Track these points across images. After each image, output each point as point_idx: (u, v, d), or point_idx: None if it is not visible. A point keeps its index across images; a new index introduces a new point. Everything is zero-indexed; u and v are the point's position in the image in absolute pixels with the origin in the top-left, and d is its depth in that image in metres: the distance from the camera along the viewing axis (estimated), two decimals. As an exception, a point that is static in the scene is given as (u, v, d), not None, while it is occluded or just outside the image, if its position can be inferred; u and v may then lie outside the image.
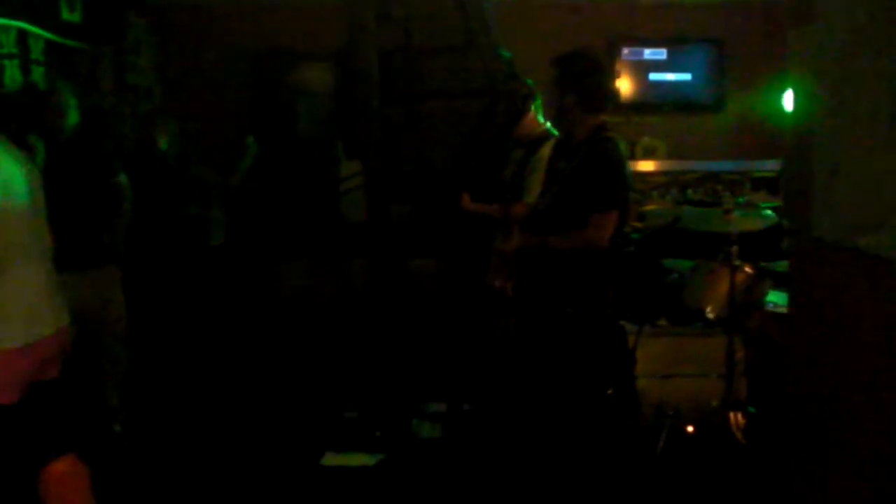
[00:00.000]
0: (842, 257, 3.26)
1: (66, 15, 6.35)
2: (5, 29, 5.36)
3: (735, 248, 5.03)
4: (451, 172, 4.45)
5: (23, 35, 5.59)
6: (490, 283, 4.87)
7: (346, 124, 5.04)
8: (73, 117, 5.00)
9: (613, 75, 9.03)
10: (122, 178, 5.32)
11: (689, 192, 8.37)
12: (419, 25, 4.16)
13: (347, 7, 4.44)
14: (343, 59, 5.00)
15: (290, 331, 7.00)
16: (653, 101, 9.34)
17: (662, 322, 5.37)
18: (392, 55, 4.26)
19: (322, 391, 6.19)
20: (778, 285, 5.18)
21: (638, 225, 6.58)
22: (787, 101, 4.00)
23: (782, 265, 5.02)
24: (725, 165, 8.75)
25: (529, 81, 5.09)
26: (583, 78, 4.26)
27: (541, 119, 5.12)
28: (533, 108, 5.07)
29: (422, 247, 5.13)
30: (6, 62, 5.36)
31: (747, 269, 5.11)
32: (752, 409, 4.93)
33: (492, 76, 4.34)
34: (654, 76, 9.41)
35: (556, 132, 4.85)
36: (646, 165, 8.79)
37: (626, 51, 9.32)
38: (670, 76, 9.42)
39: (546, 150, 4.83)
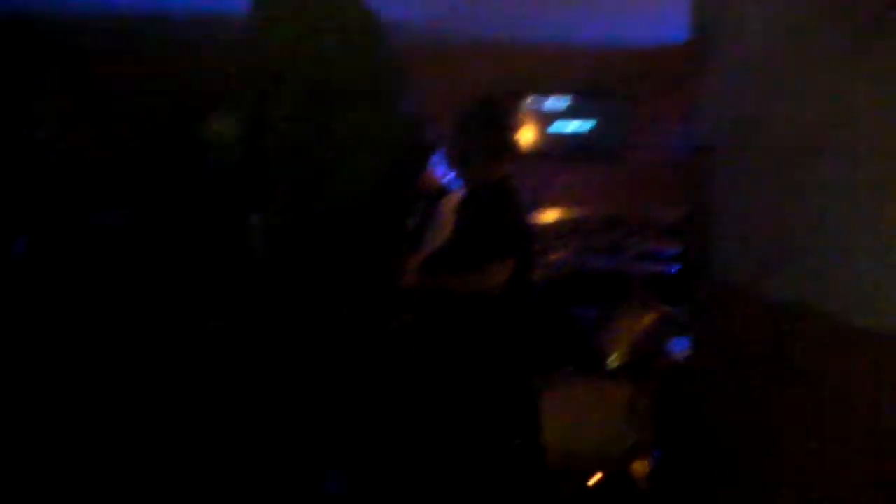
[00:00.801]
0: (744, 302, 3.28)
1: None
2: None
3: (638, 295, 5.05)
4: (354, 223, 4.40)
5: None
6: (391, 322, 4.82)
7: (251, 174, 4.99)
8: None
9: (517, 125, 9.11)
10: None
11: (593, 239, 8.43)
12: (324, 78, 4.13)
13: (251, 59, 4.40)
14: (248, 111, 4.95)
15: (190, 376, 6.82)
16: (557, 150, 9.42)
17: (568, 370, 5.35)
18: (297, 108, 4.21)
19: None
20: (681, 331, 5.21)
21: (543, 273, 6.58)
22: (690, 147, 4.04)
23: (686, 310, 5.05)
24: (628, 212, 8.84)
25: (433, 131, 5.09)
26: (487, 129, 4.26)
27: (443, 169, 5.12)
28: (436, 158, 5.07)
29: (328, 293, 5.05)
30: None
31: (651, 316, 5.13)
32: (658, 455, 4.92)
33: (397, 128, 4.31)
34: (557, 125, 9.51)
35: (459, 182, 4.85)
36: (550, 214, 8.84)
37: (529, 100, 9.40)
38: (574, 124, 9.53)
39: (448, 200, 4.83)
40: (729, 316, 3.49)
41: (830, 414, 2.74)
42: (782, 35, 3.03)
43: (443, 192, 5.04)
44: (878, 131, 2.48)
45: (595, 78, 9.39)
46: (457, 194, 4.85)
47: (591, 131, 9.58)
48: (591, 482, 4.84)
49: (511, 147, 4.37)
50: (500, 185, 4.26)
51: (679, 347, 5.25)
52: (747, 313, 3.29)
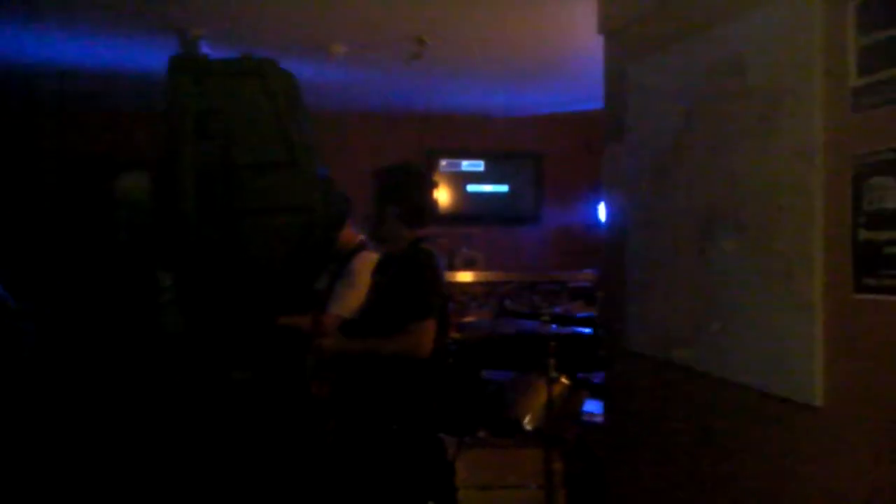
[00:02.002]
0: (655, 368, 3.33)
1: None
2: None
3: (552, 360, 5.08)
4: (266, 287, 4.37)
5: None
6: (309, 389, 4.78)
7: (163, 236, 4.93)
8: None
9: (432, 188, 9.17)
10: None
11: (507, 302, 8.47)
12: (238, 142, 4.11)
13: (164, 120, 4.37)
14: (160, 171, 4.91)
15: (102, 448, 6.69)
16: (471, 213, 9.47)
17: (481, 433, 5.35)
18: (210, 170, 4.18)
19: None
20: (594, 395, 5.25)
21: (457, 336, 6.60)
22: (602, 213, 4.10)
23: (598, 376, 5.09)
24: (543, 276, 8.91)
25: (346, 195, 5.11)
26: (403, 192, 4.28)
27: (356, 231, 5.13)
28: (348, 221, 5.09)
29: (239, 358, 4.99)
30: None
31: (564, 380, 5.16)
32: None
33: (311, 192, 4.30)
34: (471, 188, 9.57)
35: (370, 244, 4.87)
36: (464, 276, 8.87)
37: (444, 162, 9.46)
38: (488, 188, 9.60)
39: (358, 262, 4.85)
40: (640, 382, 3.54)
41: (743, 480, 2.78)
42: (683, 114, 3.12)
43: (354, 253, 5.05)
44: (775, 206, 2.56)
45: (511, 142, 9.50)
46: (371, 255, 4.86)
47: (506, 194, 9.66)
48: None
49: (427, 211, 4.39)
50: (416, 246, 4.27)
51: (592, 411, 5.29)
52: (658, 379, 3.34)
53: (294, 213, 4.14)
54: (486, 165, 9.57)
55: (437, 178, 9.28)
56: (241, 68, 4.28)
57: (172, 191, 4.28)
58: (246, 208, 4.07)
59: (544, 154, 9.49)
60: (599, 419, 4.92)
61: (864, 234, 2.23)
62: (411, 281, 4.17)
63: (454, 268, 8.86)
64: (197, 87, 4.20)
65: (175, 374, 5.54)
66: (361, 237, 5.10)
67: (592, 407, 5.28)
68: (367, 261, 4.89)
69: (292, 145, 4.06)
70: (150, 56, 5.75)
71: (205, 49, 5.85)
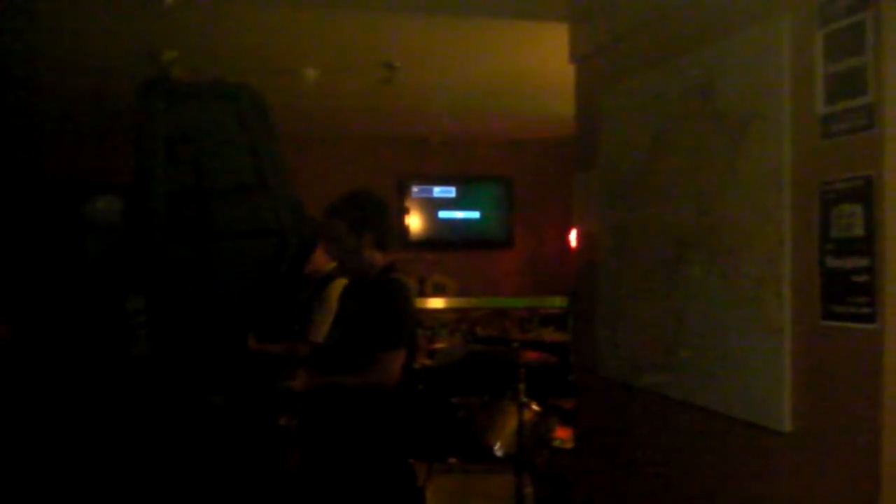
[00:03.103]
0: (624, 393, 3.33)
1: None
2: None
3: (522, 386, 5.07)
4: (238, 313, 4.35)
5: None
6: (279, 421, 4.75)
7: (134, 260, 4.91)
8: None
9: (401, 213, 9.15)
10: None
11: (478, 329, 8.46)
12: (209, 166, 4.10)
13: (135, 145, 4.35)
14: (132, 195, 4.88)
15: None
16: (442, 239, 9.46)
17: (452, 460, 5.33)
18: (181, 195, 4.16)
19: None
20: (565, 421, 5.24)
21: (427, 362, 6.58)
22: (574, 239, 4.11)
23: (569, 401, 5.08)
24: (514, 302, 8.90)
25: (318, 220, 5.10)
26: (379, 217, 4.28)
27: (327, 257, 5.11)
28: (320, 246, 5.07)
29: (212, 383, 4.96)
30: None
31: (534, 406, 5.15)
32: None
33: (282, 217, 4.29)
34: (443, 214, 9.56)
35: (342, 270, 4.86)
36: (435, 303, 8.85)
37: (415, 189, 9.45)
38: (459, 214, 9.59)
39: (332, 288, 4.83)
40: (610, 407, 3.54)
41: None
42: (652, 140, 3.13)
43: (327, 279, 5.03)
44: (744, 231, 2.57)
45: (483, 167, 9.51)
46: (343, 280, 4.85)
47: (478, 220, 9.66)
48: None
49: (394, 236, 4.39)
50: (385, 273, 4.26)
51: (562, 437, 5.28)
52: (628, 405, 3.34)
53: (265, 236, 4.13)
54: (458, 191, 9.57)
55: (408, 203, 9.28)
56: (213, 92, 4.27)
57: (143, 214, 4.26)
58: (217, 232, 4.06)
59: (516, 179, 9.50)
60: (570, 444, 4.92)
61: (831, 262, 2.24)
62: (382, 311, 4.14)
63: (425, 294, 8.83)
64: (168, 111, 4.19)
65: (142, 397, 5.49)
66: (333, 264, 5.09)
67: (563, 432, 5.27)
68: (340, 287, 4.87)
69: (263, 169, 4.05)
70: (122, 78, 5.73)
71: (177, 72, 5.84)
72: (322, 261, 5.12)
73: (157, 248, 4.13)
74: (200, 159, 4.06)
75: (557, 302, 8.17)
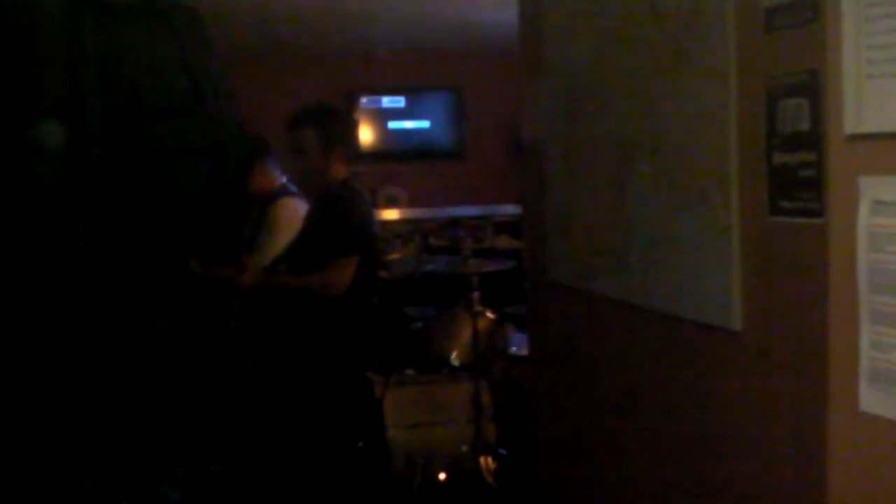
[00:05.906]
0: (576, 299, 3.33)
1: None
2: None
3: (476, 294, 5.07)
4: (178, 233, 4.30)
5: None
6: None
7: (73, 183, 4.82)
8: None
9: (355, 125, 9.08)
10: None
11: (431, 239, 8.45)
12: (144, 85, 4.01)
13: (68, 66, 4.24)
14: (67, 117, 4.77)
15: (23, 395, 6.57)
16: (393, 149, 9.43)
17: (409, 371, 5.36)
18: (116, 115, 4.08)
19: (59, 460, 5.80)
20: (520, 328, 5.27)
21: (382, 274, 6.57)
22: (521, 147, 4.08)
23: (524, 308, 5.11)
24: (467, 211, 8.89)
25: (263, 137, 5.03)
26: (342, 131, 4.27)
27: (275, 174, 5.05)
28: (266, 163, 5.01)
29: (156, 307, 4.91)
30: None
31: (489, 315, 5.17)
32: (502, 452, 4.97)
33: (220, 134, 4.22)
34: (392, 124, 9.51)
35: (293, 187, 4.82)
36: (388, 214, 8.83)
37: (364, 99, 9.38)
38: (409, 124, 9.54)
39: (278, 208, 4.79)
40: (562, 313, 3.54)
41: (664, 406, 2.80)
42: (597, 44, 3.08)
43: (274, 196, 4.98)
44: (690, 130, 2.55)
45: (431, 77, 9.43)
46: (292, 200, 4.81)
47: (427, 130, 9.61)
48: (438, 480, 4.85)
49: (354, 147, 4.37)
50: (343, 185, 4.26)
51: (517, 344, 5.31)
52: (580, 310, 3.34)
53: (204, 154, 4.07)
54: (407, 101, 9.50)
55: (357, 114, 9.20)
56: (145, 10, 4.17)
57: (79, 137, 4.17)
58: (154, 151, 3.99)
59: (465, 88, 9.44)
60: (524, 352, 4.95)
61: (778, 158, 2.22)
62: (336, 219, 4.16)
63: (377, 206, 8.80)
64: (99, 30, 4.09)
65: (89, 322, 5.43)
66: (282, 181, 5.03)
67: (518, 339, 5.30)
68: (288, 207, 4.82)
69: (200, 87, 3.97)
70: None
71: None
72: (268, 180, 5.05)
73: (94, 169, 4.06)
74: (134, 78, 3.97)
75: (510, 209, 8.18)
